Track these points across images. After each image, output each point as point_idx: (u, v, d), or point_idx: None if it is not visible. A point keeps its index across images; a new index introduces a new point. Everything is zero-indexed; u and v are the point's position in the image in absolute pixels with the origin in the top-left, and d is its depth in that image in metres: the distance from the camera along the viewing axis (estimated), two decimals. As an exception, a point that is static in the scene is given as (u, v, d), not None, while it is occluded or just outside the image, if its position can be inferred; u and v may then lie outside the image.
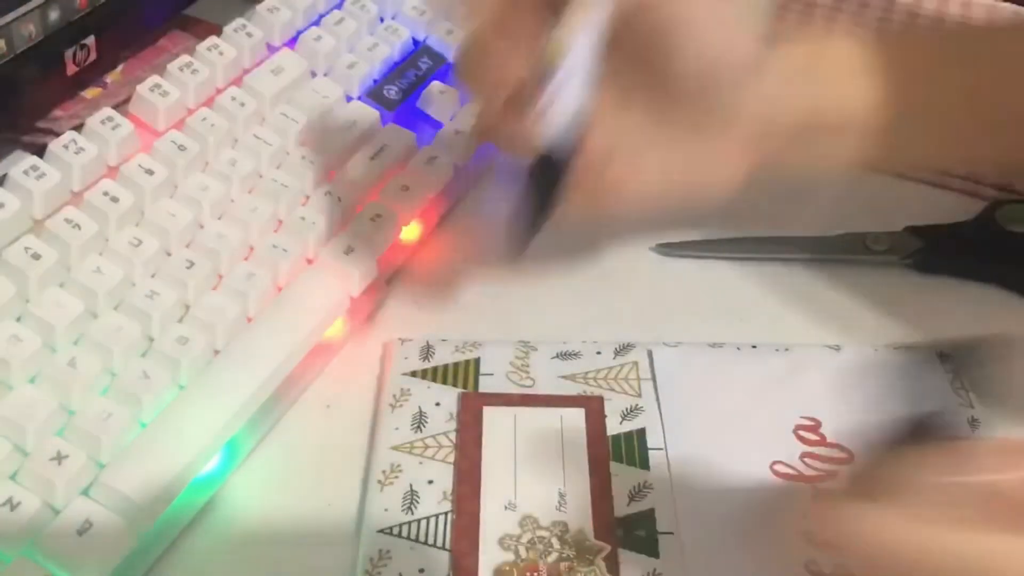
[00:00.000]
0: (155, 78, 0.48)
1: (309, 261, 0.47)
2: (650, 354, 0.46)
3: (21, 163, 0.43)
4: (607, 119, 0.40)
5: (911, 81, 0.43)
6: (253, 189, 0.48)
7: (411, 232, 0.51)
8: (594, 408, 0.44)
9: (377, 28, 0.58)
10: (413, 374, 0.45)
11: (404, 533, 0.39)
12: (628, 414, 0.44)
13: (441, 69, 0.58)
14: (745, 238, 0.53)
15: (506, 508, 0.40)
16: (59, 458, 0.37)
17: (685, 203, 0.44)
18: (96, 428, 0.38)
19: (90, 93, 0.56)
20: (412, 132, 0.53)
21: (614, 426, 0.43)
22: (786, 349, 0.47)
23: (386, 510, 0.40)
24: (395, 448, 0.42)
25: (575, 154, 0.39)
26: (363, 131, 0.52)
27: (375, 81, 0.56)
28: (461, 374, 0.45)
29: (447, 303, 0.49)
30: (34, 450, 0.37)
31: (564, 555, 0.39)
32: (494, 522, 0.40)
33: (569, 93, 0.37)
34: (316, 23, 0.56)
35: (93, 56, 0.54)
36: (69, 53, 0.53)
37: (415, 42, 0.59)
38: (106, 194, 0.44)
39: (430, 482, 0.41)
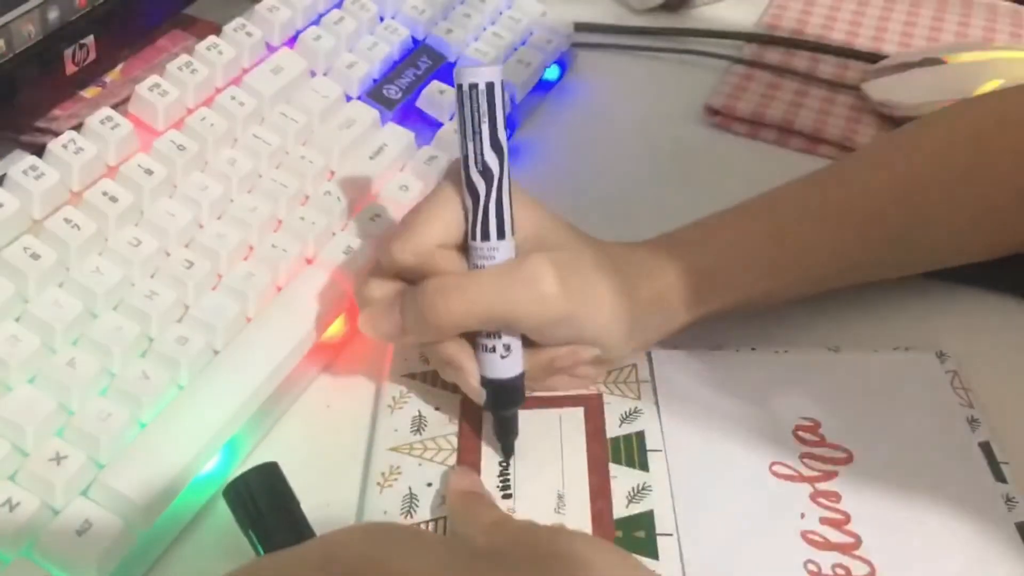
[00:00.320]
0: (154, 78, 0.48)
1: (308, 261, 0.47)
2: (649, 356, 0.46)
3: (20, 163, 0.42)
4: None
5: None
6: (252, 189, 0.48)
7: (411, 232, 0.51)
8: (593, 406, 0.44)
9: (377, 27, 0.58)
10: (412, 376, 0.45)
11: (403, 534, 0.39)
12: (627, 416, 0.44)
13: (441, 68, 0.58)
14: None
15: (505, 510, 0.40)
16: (58, 458, 0.37)
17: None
18: (95, 428, 0.38)
19: (89, 93, 0.56)
20: (411, 132, 0.53)
21: (613, 428, 0.43)
22: (785, 351, 0.47)
23: (385, 512, 0.40)
24: (394, 449, 0.42)
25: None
26: (362, 131, 0.52)
27: (375, 81, 0.56)
28: (461, 375, 0.45)
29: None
30: (33, 450, 0.37)
31: (563, 556, 0.39)
32: (493, 523, 0.40)
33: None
34: (316, 22, 0.56)
35: (92, 55, 0.54)
36: (68, 52, 0.52)
37: (415, 41, 0.59)
38: (105, 194, 0.43)
39: (429, 484, 0.41)
